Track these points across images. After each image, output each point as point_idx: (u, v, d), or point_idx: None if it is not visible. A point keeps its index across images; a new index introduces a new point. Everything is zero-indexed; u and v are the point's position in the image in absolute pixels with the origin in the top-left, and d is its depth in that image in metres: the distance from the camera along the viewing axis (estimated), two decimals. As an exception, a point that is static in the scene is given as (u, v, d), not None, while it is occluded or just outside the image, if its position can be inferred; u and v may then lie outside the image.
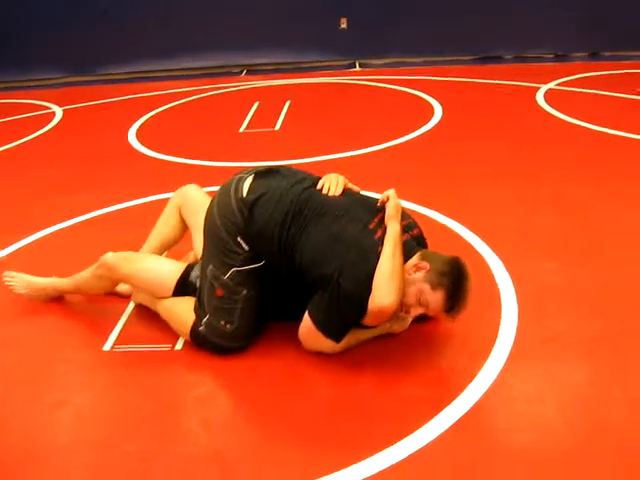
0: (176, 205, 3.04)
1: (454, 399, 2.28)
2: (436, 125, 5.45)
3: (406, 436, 2.14)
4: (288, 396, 2.41)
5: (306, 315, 2.51)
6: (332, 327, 2.49)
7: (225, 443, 2.21)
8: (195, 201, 2.98)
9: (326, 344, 2.53)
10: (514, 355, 2.49)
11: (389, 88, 6.91)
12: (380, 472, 2.02)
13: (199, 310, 2.66)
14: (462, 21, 8.05)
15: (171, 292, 2.76)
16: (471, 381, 2.37)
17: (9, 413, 2.43)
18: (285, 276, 2.62)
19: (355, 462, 2.05)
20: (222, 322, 2.61)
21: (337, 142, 5.04)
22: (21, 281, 3.10)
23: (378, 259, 2.39)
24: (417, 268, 2.44)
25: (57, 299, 3.09)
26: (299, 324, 2.56)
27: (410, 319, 2.59)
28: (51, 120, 6.66)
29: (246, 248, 2.59)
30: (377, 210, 2.57)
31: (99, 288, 2.98)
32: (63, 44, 8.54)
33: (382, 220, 2.53)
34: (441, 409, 2.24)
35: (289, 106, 6.31)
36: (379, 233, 2.48)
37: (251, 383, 2.50)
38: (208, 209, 2.73)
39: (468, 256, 3.14)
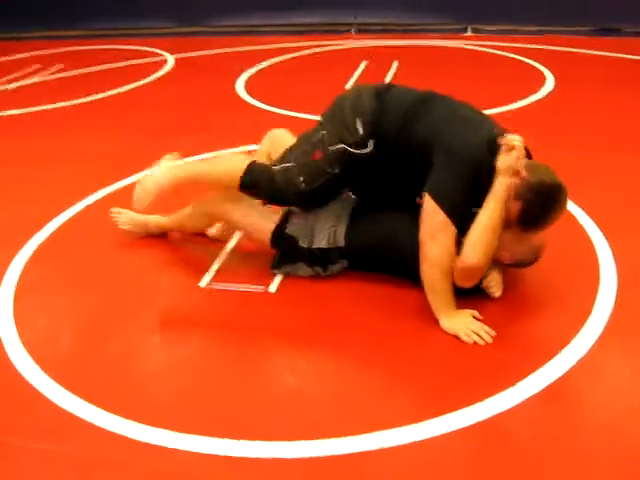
0: (266, 152, 3.06)
1: (541, 367, 2.25)
2: (546, 95, 5.28)
3: (487, 398, 2.13)
4: (377, 345, 2.44)
5: (425, 199, 2.47)
6: (455, 203, 2.42)
7: (308, 385, 2.27)
8: (284, 140, 3.00)
9: (446, 234, 2.42)
10: (608, 329, 2.43)
11: (500, 55, 6.73)
12: (457, 430, 2.02)
13: (281, 159, 2.76)
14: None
15: (269, 237, 2.81)
16: (561, 351, 2.33)
17: (105, 337, 2.57)
18: (395, 162, 2.62)
19: (433, 417, 2.06)
20: (301, 178, 2.68)
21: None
22: (126, 217, 3.23)
23: (492, 142, 2.41)
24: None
25: (159, 236, 3.22)
26: (391, 277, 2.58)
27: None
28: (163, 67, 6.83)
29: (360, 132, 2.62)
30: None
31: (199, 225, 3.07)
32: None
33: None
34: (526, 375, 2.22)
35: (397, 67, 6.25)
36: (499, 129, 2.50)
37: (341, 329, 2.55)
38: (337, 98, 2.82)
39: (570, 227, 3.11)
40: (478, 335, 2.41)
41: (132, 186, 3.74)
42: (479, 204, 2.45)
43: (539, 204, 2.40)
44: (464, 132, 2.49)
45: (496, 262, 2.61)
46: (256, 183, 2.75)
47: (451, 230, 2.43)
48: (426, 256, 2.47)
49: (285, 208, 2.86)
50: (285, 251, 2.80)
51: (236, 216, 2.87)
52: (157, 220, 3.20)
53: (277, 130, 3.15)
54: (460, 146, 2.44)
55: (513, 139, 2.40)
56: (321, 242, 2.74)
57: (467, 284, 2.50)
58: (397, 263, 2.70)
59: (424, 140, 2.53)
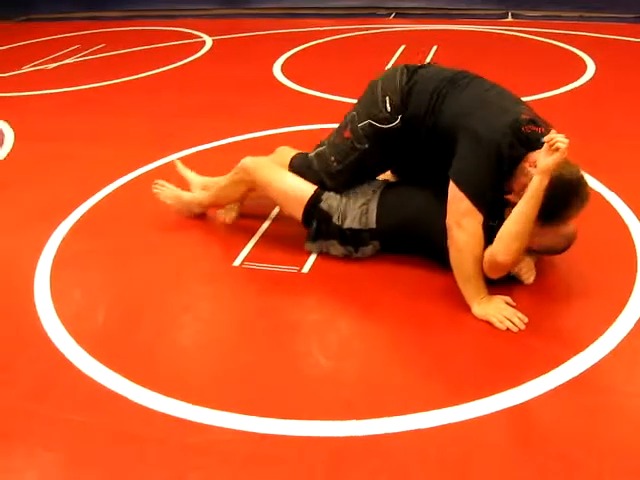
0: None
1: (575, 355, 2.23)
2: (587, 82, 5.20)
3: (518, 385, 2.11)
4: (409, 328, 2.44)
5: (450, 186, 2.46)
6: (480, 189, 2.41)
7: (340, 366, 2.27)
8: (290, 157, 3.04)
9: (472, 220, 2.41)
10: (644, 320, 2.40)
11: (541, 41, 6.62)
12: (488, 415, 2.02)
13: (317, 146, 2.89)
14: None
15: (302, 210, 2.81)
16: (596, 340, 2.30)
17: (140, 313, 2.61)
18: (422, 140, 2.63)
19: (465, 401, 2.06)
20: (332, 158, 2.79)
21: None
22: (170, 192, 3.24)
23: (517, 125, 2.39)
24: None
25: (199, 216, 3.24)
26: (427, 260, 2.60)
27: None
28: (201, 48, 6.86)
29: (388, 109, 2.66)
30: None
31: (235, 194, 3.04)
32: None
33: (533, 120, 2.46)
34: (560, 363, 2.20)
35: (435, 52, 6.20)
36: (530, 115, 2.48)
37: (373, 311, 2.55)
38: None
39: (607, 215, 3.07)
40: (511, 321, 2.39)
41: (168, 165, 3.80)
42: (502, 188, 2.44)
43: (560, 199, 2.35)
44: (490, 116, 2.45)
45: (527, 250, 2.59)
46: (299, 173, 2.86)
47: (477, 216, 2.42)
48: (453, 242, 2.46)
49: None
50: (319, 226, 2.80)
51: (274, 184, 2.86)
52: (200, 199, 3.21)
53: (285, 147, 3.20)
54: (484, 131, 2.40)
55: (559, 139, 2.27)
56: (353, 222, 2.74)
57: (495, 276, 2.47)
58: (428, 244, 2.69)
59: (451, 121, 2.52)
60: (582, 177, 2.40)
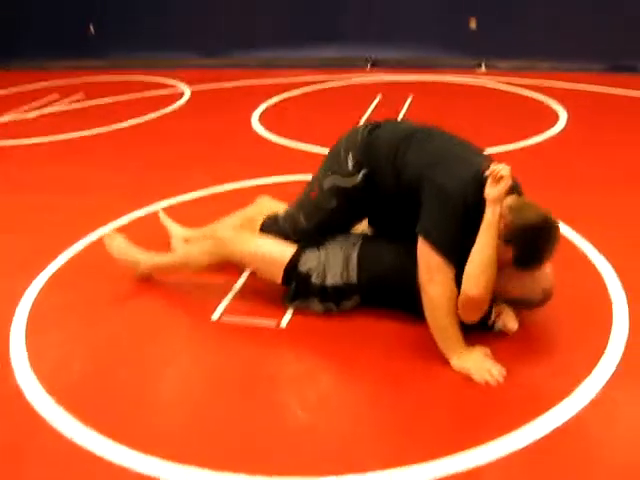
0: (249, 216, 3.16)
1: (552, 408, 2.24)
2: (559, 133, 5.30)
3: (496, 439, 2.11)
4: (387, 383, 2.44)
5: (419, 242, 2.48)
6: (449, 243, 2.43)
7: (318, 421, 2.26)
8: (271, 207, 3.14)
9: (444, 275, 2.42)
10: (621, 370, 2.41)
11: (514, 92, 6.77)
12: (468, 470, 2.01)
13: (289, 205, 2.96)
14: (596, 26, 7.76)
15: (281, 274, 2.81)
16: (573, 391, 2.31)
17: (116, 368, 2.59)
18: (388, 194, 2.67)
19: (441, 457, 2.05)
20: (302, 217, 2.84)
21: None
22: (118, 245, 3.13)
23: (479, 176, 2.43)
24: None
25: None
26: (405, 314, 2.63)
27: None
28: (180, 99, 6.92)
29: (350, 165, 2.70)
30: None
31: (204, 264, 2.95)
32: (196, 28, 8.85)
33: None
34: (536, 416, 2.20)
35: (410, 102, 6.30)
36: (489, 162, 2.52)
37: (352, 366, 2.55)
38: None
39: (582, 266, 3.11)
40: (491, 374, 2.40)
41: (143, 218, 3.81)
42: (469, 237, 2.46)
43: (530, 245, 2.40)
44: (453, 169, 2.50)
45: (504, 300, 2.62)
46: (269, 233, 2.93)
47: (448, 270, 2.43)
48: (428, 298, 2.47)
49: (297, 246, 2.86)
50: (298, 287, 2.81)
51: (248, 251, 2.86)
52: (155, 261, 3.09)
53: (265, 197, 3.29)
54: (449, 183, 2.44)
55: (500, 169, 2.39)
56: (334, 278, 2.75)
57: (473, 317, 2.48)
58: (408, 297, 2.69)
59: (415, 173, 2.55)
60: (548, 217, 2.43)
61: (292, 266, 2.79)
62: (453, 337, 2.47)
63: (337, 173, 2.74)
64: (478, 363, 2.43)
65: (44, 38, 9.20)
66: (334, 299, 2.78)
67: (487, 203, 2.38)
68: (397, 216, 2.75)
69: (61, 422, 2.27)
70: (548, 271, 2.60)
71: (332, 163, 2.80)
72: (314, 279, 2.77)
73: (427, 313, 2.50)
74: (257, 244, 2.87)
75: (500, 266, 2.43)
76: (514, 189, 2.50)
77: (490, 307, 2.53)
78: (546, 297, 2.61)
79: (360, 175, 2.69)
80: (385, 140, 2.70)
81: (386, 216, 2.84)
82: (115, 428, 2.23)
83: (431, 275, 2.44)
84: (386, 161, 2.64)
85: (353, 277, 2.75)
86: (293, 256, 2.81)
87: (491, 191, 2.38)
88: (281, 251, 2.83)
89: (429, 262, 2.44)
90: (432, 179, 2.48)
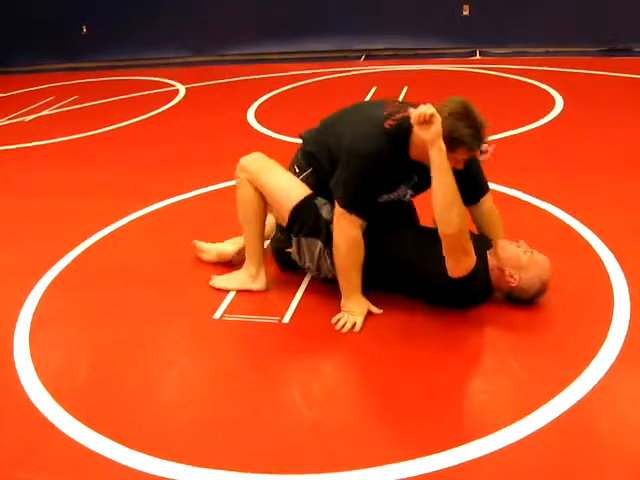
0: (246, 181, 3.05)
1: (557, 394, 2.24)
2: (556, 117, 5.30)
3: (502, 428, 2.12)
4: (391, 376, 2.44)
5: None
6: (348, 195, 2.63)
7: (323, 417, 2.26)
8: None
9: (345, 221, 2.62)
10: (623, 355, 2.41)
11: (509, 78, 6.77)
12: (472, 460, 2.01)
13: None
14: (590, 10, 7.75)
15: (293, 205, 2.82)
16: (576, 378, 2.31)
17: (120, 369, 2.59)
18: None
19: (446, 449, 2.05)
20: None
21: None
22: (209, 251, 3.25)
23: (385, 127, 2.57)
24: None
25: (174, 268, 3.24)
26: (409, 305, 2.70)
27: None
28: (175, 97, 6.92)
29: (300, 158, 2.96)
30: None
31: (253, 204, 2.91)
32: (189, 26, 8.85)
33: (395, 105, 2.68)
34: (543, 403, 2.20)
35: (406, 92, 6.30)
36: (389, 110, 2.65)
37: (355, 359, 2.56)
38: None
39: (582, 252, 3.11)
40: (347, 324, 2.66)
41: (141, 219, 3.81)
42: (395, 185, 2.69)
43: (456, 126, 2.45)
44: (359, 132, 2.65)
45: (503, 293, 2.69)
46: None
47: (350, 219, 2.62)
48: (333, 243, 2.70)
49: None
50: (308, 218, 2.81)
51: (269, 178, 2.88)
52: (231, 243, 3.24)
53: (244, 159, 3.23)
54: (359, 144, 2.61)
55: (424, 110, 2.38)
56: None
57: (464, 259, 2.53)
58: (412, 271, 2.73)
59: (335, 149, 2.74)
60: (468, 104, 2.49)
61: (308, 198, 2.82)
62: (351, 281, 2.70)
63: (293, 168, 2.99)
64: (352, 311, 2.68)
65: (38, 41, 9.21)
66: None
67: (428, 146, 2.43)
68: None
69: (67, 425, 2.27)
70: (546, 261, 2.62)
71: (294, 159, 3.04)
72: (325, 214, 2.80)
73: (333, 253, 2.72)
74: (278, 172, 2.92)
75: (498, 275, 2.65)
76: None
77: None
78: (544, 287, 2.63)
79: (309, 168, 2.91)
80: (321, 130, 2.94)
81: None
82: (120, 430, 2.24)
83: (337, 222, 2.67)
84: (318, 146, 2.86)
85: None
86: (310, 194, 2.84)
87: (426, 133, 2.41)
88: (299, 186, 2.88)
89: (337, 212, 2.67)
90: (344, 146, 2.66)
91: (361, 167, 2.60)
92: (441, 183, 2.45)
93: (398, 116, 2.60)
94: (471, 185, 2.72)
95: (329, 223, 2.77)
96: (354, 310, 2.71)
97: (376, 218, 2.73)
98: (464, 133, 2.42)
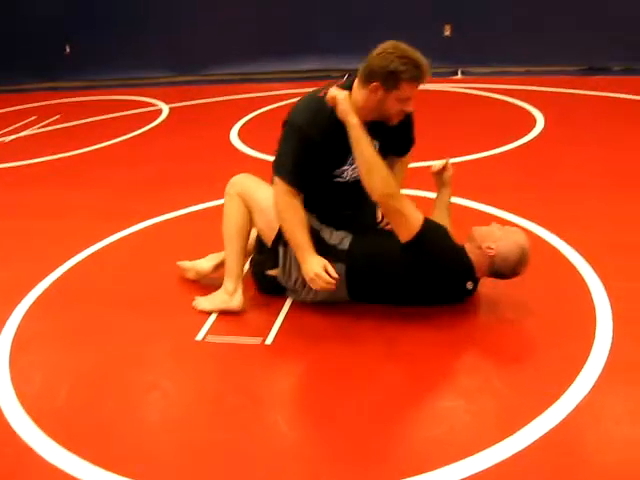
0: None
1: (541, 413, 2.24)
2: (537, 136, 5.34)
3: (487, 448, 2.11)
4: (375, 395, 2.43)
5: None
6: (279, 161, 2.80)
7: (307, 439, 2.25)
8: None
9: (276, 188, 2.77)
10: (606, 373, 2.42)
11: (491, 97, 6.82)
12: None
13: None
14: (569, 31, 7.83)
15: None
16: (560, 397, 2.31)
17: (101, 392, 2.56)
18: None
19: (433, 469, 2.05)
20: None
21: (435, 150, 5.00)
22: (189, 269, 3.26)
23: (317, 96, 2.75)
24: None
25: (155, 289, 3.22)
26: (388, 321, 2.72)
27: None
28: (158, 117, 6.91)
29: None
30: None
31: (240, 218, 2.96)
32: (172, 46, 8.86)
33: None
34: (527, 423, 2.20)
35: (389, 111, 6.32)
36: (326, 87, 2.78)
37: (339, 380, 2.54)
38: None
39: (563, 269, 3.13)
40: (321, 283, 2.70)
41: (123, 240, 3.79)
42: (343, 156, 2.77)
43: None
44: (297, 105, 2.84)
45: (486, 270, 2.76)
46: None
47: (282, 185, 2.76)
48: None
49: None
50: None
51: (260, 191, 2.95)
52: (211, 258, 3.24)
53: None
54: (295, 118, 2.77)
55: (332, 95, 2.66)
56: (330, 238, 2.86)
57: (404, 224, 2.63)
58: (393, 283, 2.77)
59: None
60: (398, 43, 2.72)
61: None
62: (297, 242, 2.75)
63: None
64: (316, 268, 2.70)
65: (20, 60, 9.19)
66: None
67: (345, 121, 2.63)
68: None
69: (47, 449, 2.24)
70: (520, 231, 2.80)
71: None
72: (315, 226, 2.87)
73: None
74: (265, 192, 2.93)
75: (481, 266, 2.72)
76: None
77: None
78: (524, 254, 2.69)
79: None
80: None
81: None
82: (102, 453, 2.21)
83: (273, 190, 2.82)
84: None
85: (345, 245, 2.82)
86: None
87: (338, 113, 2.65)
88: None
89: (272, 180, 2.81)
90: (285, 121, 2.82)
91: (292, 135, 2.75)
92: (360, 153, 2.62)
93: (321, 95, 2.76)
94: (400, 143, 3.01)
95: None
96: (316, 269, 2.70)
97: (338, 207, 2.91)
98: (398, 63, 2.57)
